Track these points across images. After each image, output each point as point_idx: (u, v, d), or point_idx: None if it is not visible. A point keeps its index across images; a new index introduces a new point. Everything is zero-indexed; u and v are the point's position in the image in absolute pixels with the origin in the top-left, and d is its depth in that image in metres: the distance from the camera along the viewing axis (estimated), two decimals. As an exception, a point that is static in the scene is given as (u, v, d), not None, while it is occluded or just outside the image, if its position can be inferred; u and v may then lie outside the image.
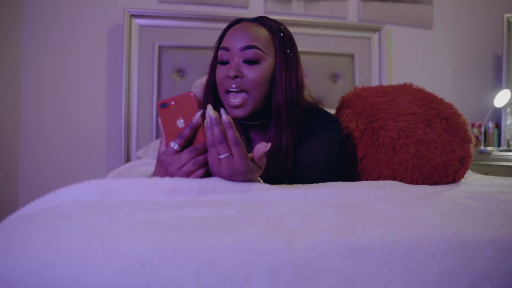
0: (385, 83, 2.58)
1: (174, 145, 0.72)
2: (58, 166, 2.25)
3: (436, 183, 1.09)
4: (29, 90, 2.23)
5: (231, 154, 0.68)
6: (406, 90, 1.15)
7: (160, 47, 2.31)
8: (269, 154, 1.03)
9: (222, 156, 0.68)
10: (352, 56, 2.54)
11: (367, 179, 1.11)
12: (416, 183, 1.08)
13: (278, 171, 1.03)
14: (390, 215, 0.56)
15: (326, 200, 0.62)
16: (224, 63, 1.03)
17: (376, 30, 2.57)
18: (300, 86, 1.07)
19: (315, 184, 0.81)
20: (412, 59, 2.75)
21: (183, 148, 0.72)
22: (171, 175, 0.72)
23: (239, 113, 1.01)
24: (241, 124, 1.11)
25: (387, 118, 1.09)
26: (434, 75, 2.80)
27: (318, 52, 2.48)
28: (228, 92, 1.02)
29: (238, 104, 1.00)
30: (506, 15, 2.70)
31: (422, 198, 0.66)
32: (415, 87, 1.19)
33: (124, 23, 2.24)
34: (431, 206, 0.61)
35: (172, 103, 0.73)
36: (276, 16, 2.48)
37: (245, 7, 2.49)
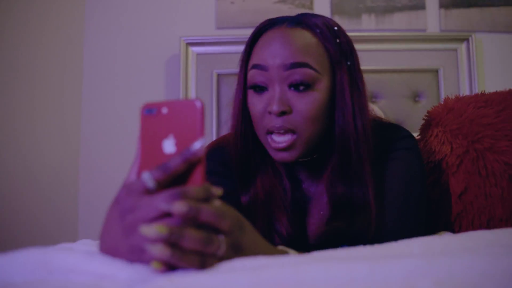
0: (479, 100, 2.18)
1: (149, 179, 0.44)
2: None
3: None
4: (89, 122, 2.19)
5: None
6: (520, 96, 0.83)
7: (218, 75, 2.15)
8: (333, 211, 0.75)
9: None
10: (435, 71, 2.20)
11: (471, 225, 0.80)
12: (549, 229, 0.74)
13: (356, 236, 0.72)
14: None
15: (410, 283, 0.33)
16: (260, 88, 0.75)
17: (463, 39, 2.22)
18: (367, 105, 0.78)
19: (389, 246, 0.52)
20: (510, 70, 2.33)
21: (163, 187, 0.44)
22: (129, 229, 0.43)
23: (287, 157, 0.74)
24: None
25: (496, 136, 0.79)
26: (541, 88, 2.33)
27: (395, 69, 2.18)
28: (271, 132, 0.74)
29: (285, 146, 0.73)
30: None
31: None
32: (533, 91, 0.86)
33: (180, 53, 2.12)
34: None
35: (164, 110, 0.46)
36: (345, 33, 2.24)
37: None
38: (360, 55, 2.37)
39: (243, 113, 0.80)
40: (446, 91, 2.18)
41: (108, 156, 2.16)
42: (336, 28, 0.79)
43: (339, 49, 0.76)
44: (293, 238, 0.76)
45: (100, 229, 0.48)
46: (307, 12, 0.81)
